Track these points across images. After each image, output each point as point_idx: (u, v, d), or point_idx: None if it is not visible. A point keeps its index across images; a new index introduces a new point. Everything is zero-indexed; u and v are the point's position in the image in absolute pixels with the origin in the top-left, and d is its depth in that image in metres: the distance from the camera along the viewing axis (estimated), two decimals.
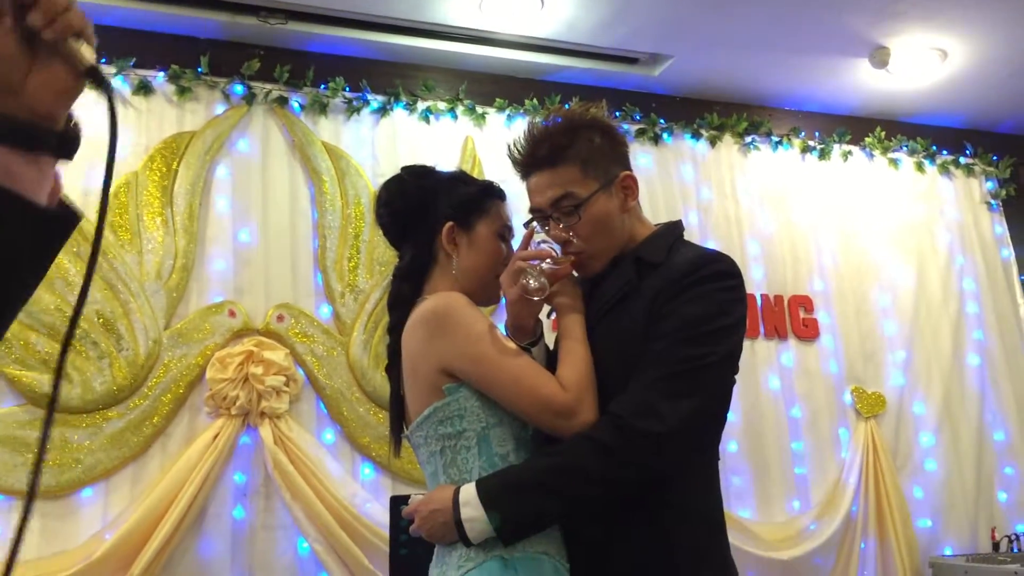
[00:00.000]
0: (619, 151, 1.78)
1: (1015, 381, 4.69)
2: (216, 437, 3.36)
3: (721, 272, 1.64)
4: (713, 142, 4.59)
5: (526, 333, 1.73)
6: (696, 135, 4.57)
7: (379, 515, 3.40)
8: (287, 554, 3.40)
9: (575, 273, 1.77)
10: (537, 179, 1.74)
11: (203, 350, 3.47)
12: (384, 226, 1.87)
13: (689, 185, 4.47)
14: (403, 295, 1.78)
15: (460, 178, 1.87)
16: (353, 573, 3.36)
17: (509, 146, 1.79)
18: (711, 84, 4.54)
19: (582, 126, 1.73)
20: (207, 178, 3.68)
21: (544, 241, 1.71)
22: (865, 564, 4.10)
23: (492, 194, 1.84)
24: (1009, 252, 5.00)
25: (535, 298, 1.65)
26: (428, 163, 1.92)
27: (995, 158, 5.09)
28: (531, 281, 1.65)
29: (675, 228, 1.81)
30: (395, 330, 1.77)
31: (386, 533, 3.19)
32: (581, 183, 1.70)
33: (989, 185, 5.08)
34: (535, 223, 1.76)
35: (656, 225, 1.82)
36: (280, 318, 3.61)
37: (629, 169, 1.78)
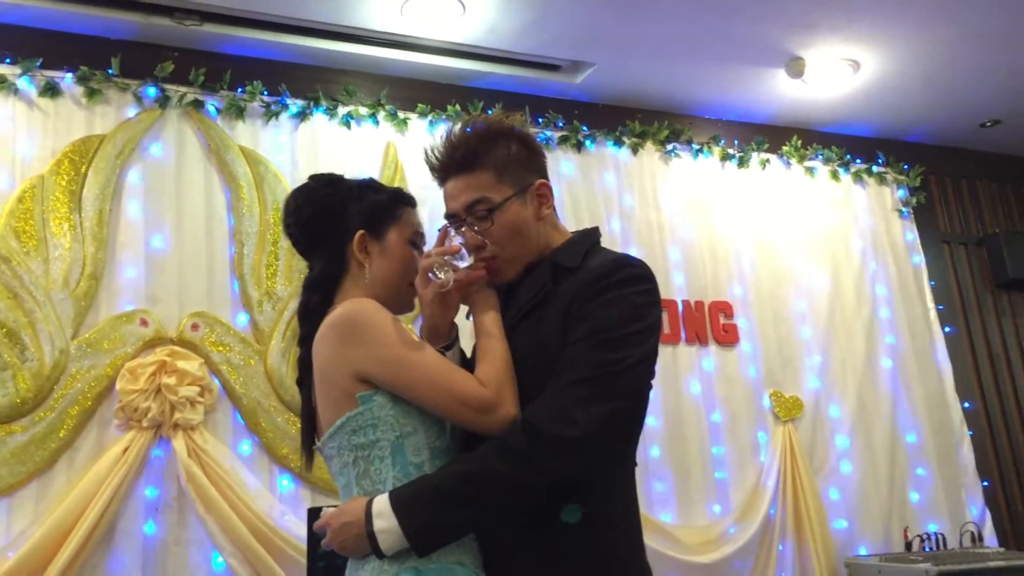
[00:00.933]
0: (536, 160, 1.78)
1: (926, 384, 4.83)
2: (126, 450, 3.25)
3: (635, 276, 1.64)
4: (635, 149, 4.63)
5: (441, 336, 1.71)
6: (618, 142, 4.60)
7: (297, 528, 3.33)
8: (201, 569, 3.30)
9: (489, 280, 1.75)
10: (453, 184, 1.74)
11: (113, 360, 3.36)
12: (292, 236, 1.83)
13: (612, 192, 4.50)
14: (313, 306, 1.74)
15: (370, 186, 1.84)
16: None
17: (426, 151, 1.78)
18: (633, 92, 4.59)
19: (500, 134, 1.74)
20: (118, 183, 3.57)
21: (460, 240, 1.70)
22: (783, 565, 4.17)
23: (402, 201, 1.82)
24: (920, 258, 5.14)
25: (443, 290, 1.64)
26: (350, 169, 1.91)
27: (906, 167, 5.24)
28: (439, 273, 1.63)
29: (591, 235, 1.81)
30: (305, 342, 1.73)
31: (304, 546, 3.13)
32: (495, 188, 1.70)
33: (900, 193, 5.22)
34: (450, 225, 1.74)
35: (573, 233, 1.82)
36: (195, 327, 3.51)
37: (545, 178, 1.79)
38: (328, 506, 1.71)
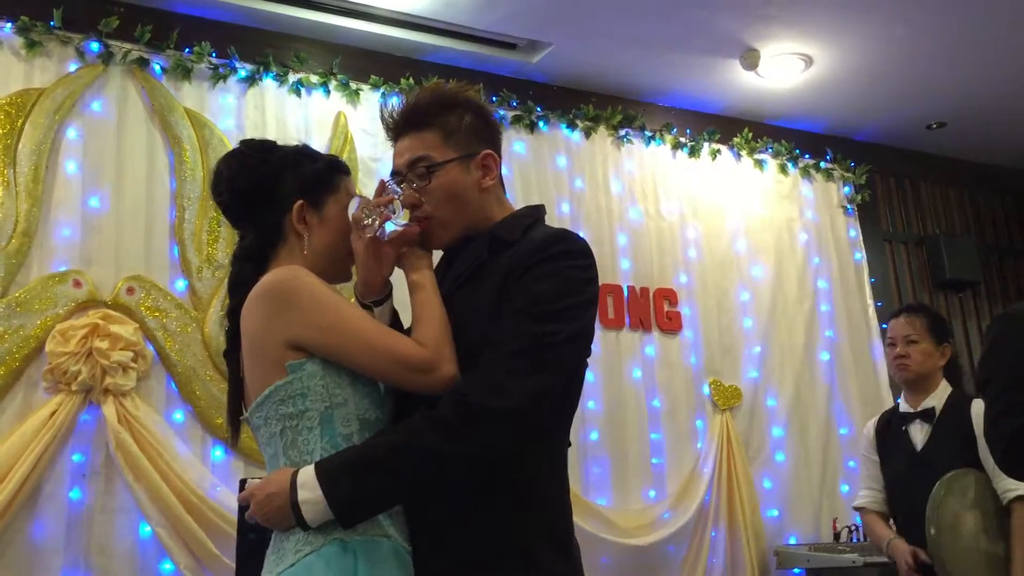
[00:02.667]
0: (489, 133, 1.77)
1: (861, 378, 4.91)
2: (54, 414, 3.17)
3: (572, 251, 1.63)
4: (588, 133, 4.62)
5: (373, 291, 1.69)
6: (572, 125, 4.59)
7: (228, 499, 3.28)
8: (127, 538, 3.24)
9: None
10: (401, 142, 1.74)
11: (43, 321, 3.26)
12: (224, 204, 1.77)
13: (563, 174, 4.49)
14: (245, 277, 1.69)
15: (305, 153, 1.79)
16: (198, 558, 3.23)
17: (382, 110, 1.78)
18: (588, 75, 4.57)
19: (456, 102, 1.74)
20: (55, 139, 3.47)
21: (396, 194, 1.68)
22: (715, 552, 4.22)
23: (339, 169, 1.79)
24: (861, 255, 5.23)
25: (369, 234, 1.61)
26: (298, 139, 1.85)
27: (852, 164, 5.31)
28: (371, 220, 1.62)
29: (535, 211, 1.80)
30: (235, 313, 1.69)
31: (235, 517, 3.08)
32: (439, 150, 1.70)
33: (846, 190, 5.29)
34: (385, 179, 1.73)
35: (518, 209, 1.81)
36: (130, 290, 3.43)
37: (497, 152, 1.77)
38: (257, 478, 1.67)
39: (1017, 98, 5.01)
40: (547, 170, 4.44)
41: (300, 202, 1.70)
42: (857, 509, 3.24)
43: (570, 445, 1.73)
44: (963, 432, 2.90)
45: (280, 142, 1.82)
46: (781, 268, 4.90)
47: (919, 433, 3.03)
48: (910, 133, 5.41)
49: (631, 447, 4.23)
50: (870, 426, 3.25)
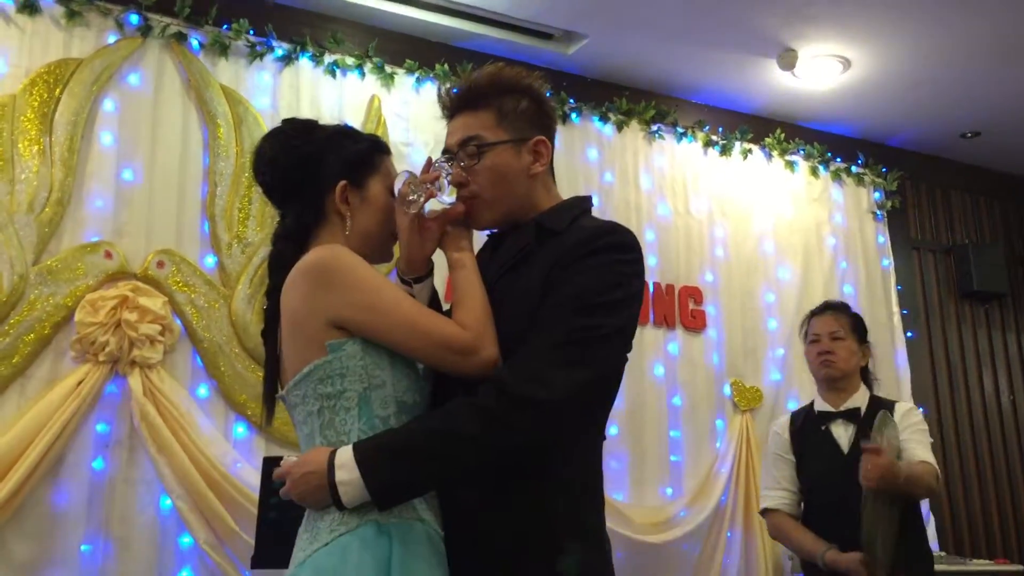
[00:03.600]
0: (543, 120, 1.76)
1: (884, 385, 4.74)
2: (80, 383, 3.19)
3: (621, 244, 1.62)
4: (620, 127, 4.60)
5: (416, 269, 1.69)
6: (604, 118, 4.57)
7: (250, 476, 3.29)
8: (148, 510, 3.26)
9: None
10: (455, 121, 1.74)
11: (73, 291, 3.28)
12: (266, 184, 1.76)
13: (593, 167, 4.47)
14: (286, 257, 1.68)
15: (347, 133, 1.78)
16: (217, 534, 3.24)
17: (440, 88, 1.79)
18: (623, 69, 4.55)
19: (515, 87, 1.74)
20: (92, 110, 3.48)
21: (444, 172, 1.69)
22: (730, 552, 4.21)
23: (381, 149, 1.78)
24: (889, 261, 5.19)
25: (413, 211, 1.61)
26: (332, 120, 1.84)
27: (884, 170, 5.27)
28: (416, 196, 1.62)
29: (583, 201, 1.79)
30: (274, 293, 1.68)
31: (255, 495, 3.09)
32: (492, 131, 1.70)
33: (876, 195, 5.25)
34: (432, 157, 1.73)
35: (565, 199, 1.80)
36: (160, 264, 3.44)
37: (550, 140, 1.76)
38: (286, 456, 1.67)
39: None
40: (577, 163, 4.42)
41: (343, 182, 1.70)
42: (767, 511, 3.03)
43: (605, 438, 1.73)
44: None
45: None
46: (808, 271, 4.86)
47: (844, 434, 2.92)
48: (944, 141, 5.36)
49: (650, 444, 4.22)
50: (783, 425, 3.09)
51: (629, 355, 1.68)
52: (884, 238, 5.23)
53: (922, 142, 5.38)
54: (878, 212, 5.23)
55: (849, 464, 2.79)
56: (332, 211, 1.70)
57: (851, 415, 2.93)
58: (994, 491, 5.20)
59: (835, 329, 3.00)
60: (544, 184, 1.76)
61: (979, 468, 5.18)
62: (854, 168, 5.20)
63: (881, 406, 2.92)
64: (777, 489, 3.00)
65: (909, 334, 5.10)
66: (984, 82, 4.66)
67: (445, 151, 1.74)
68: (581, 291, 1.55)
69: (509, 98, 1.72)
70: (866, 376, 3.04)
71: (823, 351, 2.98)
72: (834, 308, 3.10)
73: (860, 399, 2.96)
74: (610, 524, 3.95)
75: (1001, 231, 5.72)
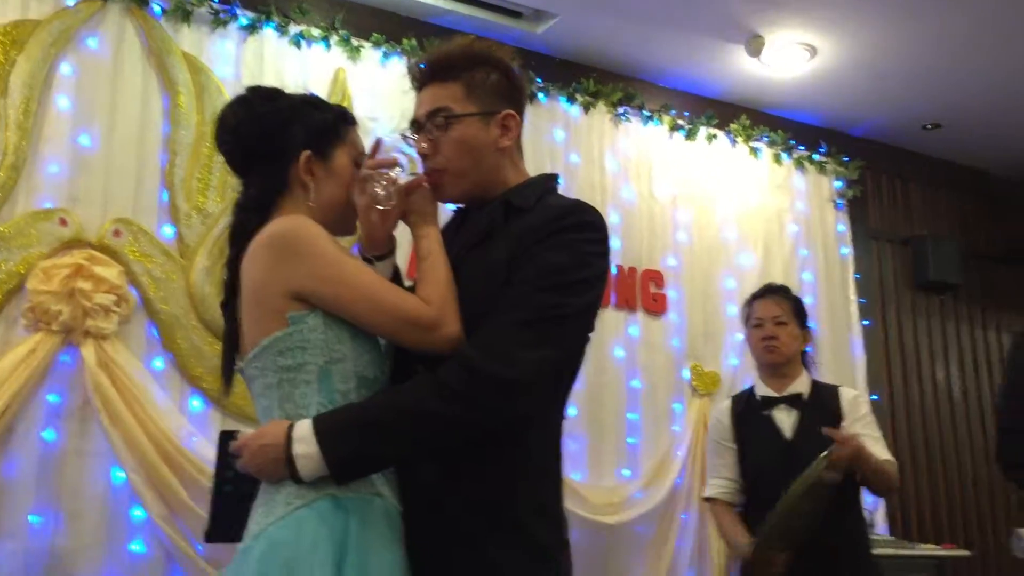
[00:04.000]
0: (514, 94, 1.75)
1: (839, 372, 4.92)
2: (32, 353, 3.12)
3: (588, 223, 1.62)
4: (587, 108, 4.58)
5: (377, 246, 1.67)
6: (571, 99, 4.55)
7: (205, 450, 3.25)
8: (100, 482, 3.21)
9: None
10: (424, 92, 1.72)
11: (26, 257, 3.20)
12: (227, 152, 1.74)
13: (559, 148, 4.46)
14: (247, 227, 1.65)
15: (312, 103, 1.75)
16: (171, 507, 3.20)
17: (409, 61, 1.78)
18: (591, 50, 4.53)
19: (486, 59, 1.72)
20: (49, 73, 3.39)
21: (396, 151, 1.67)
22: (684, 535, 4.24)
23: (347, 120, 1.75)
24: (848, 250, 5.24)
25: (381, 207, 1.59)
26: (296, 92, 1.80)
27: (846, 159, 5.31)
28: (379, 190, 1.59)
29: (549, 179, 1.79)
30: (234, 264, 1.65)
31: (210, 469, 3.05)
32: (461, 103, 1.68)
33: (838, 184, 5.29)
34: (383, 137, 1.71)
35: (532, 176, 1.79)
36: (117, 233, 3.37)
37: (519, 114, 1.75)
38: (242, 430, 1.65)
39: (1011, 106, 5.03)
40: (543, 143, 4.41)
41: (307, 153, 1.67)
42: (707, 499, 3.01)
43: (565, 418, 1.72)
44: (833, 419, 2.80)
45: None
46: (768, 258, 4.90)
47: (786, 419, 2.87)
48: (905, 132, 5.42)
49: (608, 425, 4.24)
50: (724, 412, 3.04)
51: (591, 336, 1.68)
52: (844, 227, 5.28)
53: (884, 132, 5.43)
54: (839, 201, 5.28)
55: (792, 450, 2.78)
56: (295, 181, 1.67)
57: (794, 400, 2.89)
58: (943, 478, 5.31)
59: (778, 314, 2.94)
60: (512, 159, 1.75)
61: (929, 455, 5.28)
62: (817, 156, 5.24)
63: (823, 391, 2.92)
64: (716, 478, 2.98)
65: (865, 322, 5.16)
66: (946, 75, 4.71)
67: (413, 122, 1.72)
68: (548, 269, 1.54)
69: (479, 70, 1.70)
70: (806, 360, 3.01)
71: (767, 336, 2.92)
72: (776, 292, 3.05)
73: (802, 384, 2.92)
74: (566, 504, 3.98)
75: (958, 224, 5.81)
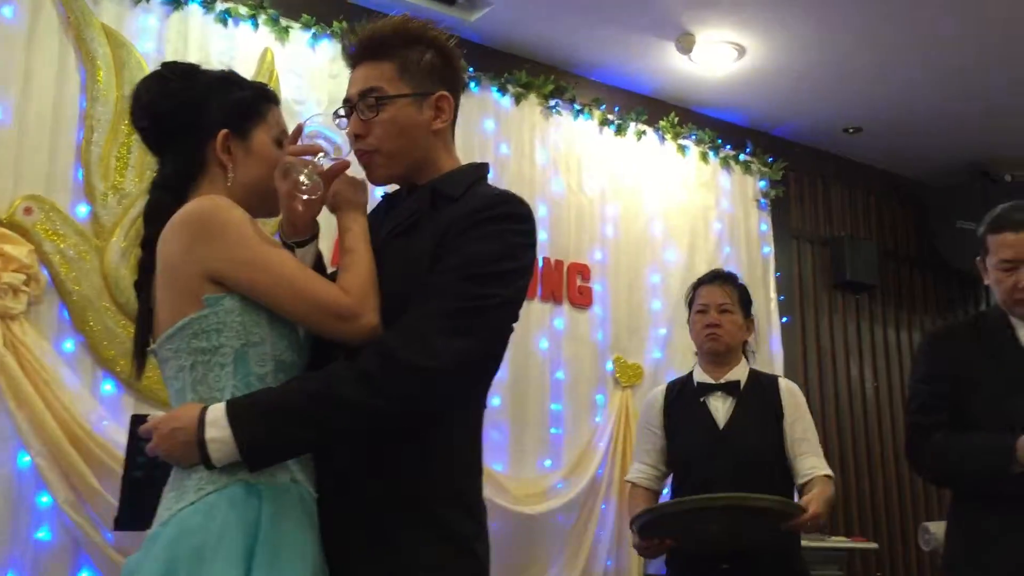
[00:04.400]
0: (449, 74, 1.72)
1: (757, 366, 5.02)
2: None
3: (516, 214, 1.61)
4: (518, 100, 4.58)
5: (299, 231, 1.63)
6: (502, 89, 4.54)
7: (116, 435, 3.16)
8: (4, 467, 3.09)
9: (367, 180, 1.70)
10: (356, 71, 1.69)
11: None
12: (143, 130, 1.69)
13: (489, 138, 4.45)
14: (163, 207, 1.61)
15: (231, 79, 1.71)
16: (78, 492, 3.10)
17: (343, 35, 1.75)
18: (524, 40, 4.53)
19: (420, 38, 1.69)
20: None
21: (318, 137, 1.63)
22: (603, 524, 4.28)
23: (267, 98, 1.72)
24: (769, 249, 5.34)
25: (307, 196, 1.56)
26: (238, 74, 1.75)
27: (770, 159, 5.41)
28: (303, 178, 1.56)
29: (479, 168, 1.76)
30: (149, 244, 1.61)
31: (121, 454, 2.97)
32: (393, 83, 1.65)
33: (762, 184, 5.38)
34: (304, 123, 1.67)
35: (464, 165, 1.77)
36: (28, 210, 3.25)
37: (455, 96, 1.72)
38: (154, 414, 1.61)
39: (930, 112, 5.18)
40: (474, 133, 4.39)
41: (224, 131, 1.63)
42: (628, 483, 2.99)
43: (486, 408, 1.72)
44: (769, 409, 2.82)
45: None
46: (693, 254, 4.97)
47: (721, 407, 2.84)
48: (827, 135, 5.54)
49: (532, 416, 4.25)
50: (657, 396, 3.01)
51: (515, 327, 1.68)
52: (767, 226, 5.37)
53: (807, 134, 5.55)
54: (762, 201, 5.37)
55: (725, 438, 2.78)
56: (213, 161, 1.63)
57: (731, 388, 2.86)
58: (854, 472, 5.45)
59: (723, 301, 2.91)
60: (444, 142, 1.73)
61: (841, 449, 5.42)
62: (742, 156, 5.32)
63: (762, 381, 2.91)
64: (639, 463, 2.96)
65: (784, 319, 5.27)
66: (869, 80, 4.83)
67: (346, 101, 1.69)
68: (473, 259, 1.53)
69: (413, 50, 1.67)
70: (746, 349, 2.99)
71: (711, 323, 2.89)
72: (723, 278, 3.00)
73: (741, 372, 2.90)
74: (488, 494, 3.96)
75: (875, 226, 5.97)
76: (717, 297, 2.92)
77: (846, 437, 5.48)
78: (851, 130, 5.46)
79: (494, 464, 4.06)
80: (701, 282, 3.02)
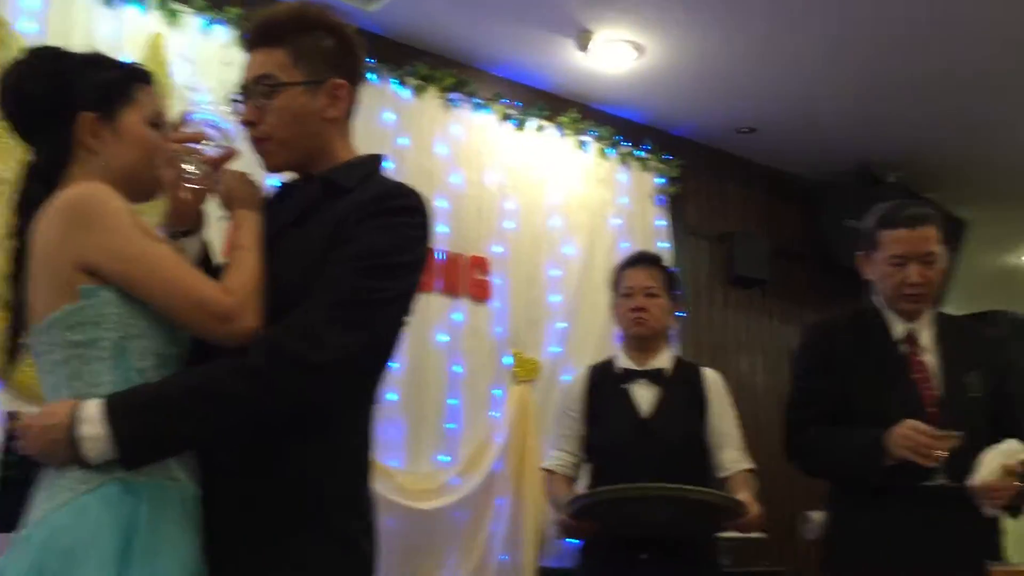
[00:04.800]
0: (347, 62, 1.69)
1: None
2: None
3: (410, 207, 1.60)
4: (418, 92, 4.55)
5: (184, 221, 1.60)
6: (402, 82, 4.50)
7: None
8: None
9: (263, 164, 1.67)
10: (252, 57, 1.66)
11: None
12: (10, 117, 1.62)
13: (388, 130, 4.40)
14: (34, 196, 1.55)
15: (98, 61, 1.64)
16: None
17: (240, 21, 1.70)
18: (425, 33, 4.50)
19: (317, 24, 1.66)
20: None
21: (206, 125, 1.59)
22: (498, 519, 4.29)
23: (138, 78, 1.65)
24: (667, 245, 5.43)
25: (191, 183, 1.52)
26: (107, 55, 1.69)
27: (668, 157, 5.50)
28: (188, 165, 1.51)
29: (375, 160, 1.74)
30: (20, 233, 1.54)
31: None
32: (287, 70, 1.62)
33: (659, 181, 5.47)
34: (190, 111, 1.65)
35: (359, 156, 1.74)
36: None
37: (353, 84, 1.69)
38: (28, 411, 1.54)
39: (821, 114, 5.35)
40: (372, 124, 4.33)
41: (89, 115, 1.56)
42: (544, 469, 2.94)
43: (377, 404, 1.70)
44: (695, 399, 2.78)
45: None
46: (592, 249, 5.02)
47: (646, 394, 2.77)
48: (723, 134, 5.67)
49: (428, 411, 4.23)
50: (578, 381, 2.92)
51: (412, 321, 1.66)
52: (664, 222, 5.46)
53: (703, 133, 5.67)
54: (660, 197, 5.46)
55: (648, 426, 2.72)
56: (81, 146, 1.57)
57: (655, 376, 2.79)
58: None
59: (650, 285, 2.82)
60: (340, 131, 1.70)
61: None
62: (640, 153, 5.40)
63: (686, 368, 2.85)
64: (557, 450, 2.89)
65: (680, 313, 5.37)
66: (763, 81, 4.96)
67: (241, 86, 1.66)
68: (366, 251, 1.51)
69: (310, 36, 1.64)
70: (669, 335, 2.94)
71: (636, 308, 2.80)
72: (649, 261, 2.93)
73: (665, 359, 2.83)
74: (383, 491, 3.96)
75: (768, 223, 6.15)
76: (643, 280, 2.84)
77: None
78: (745, 130, 5.61)
79: (390, 460, 4.03)
80: (626, 265, 2.95)
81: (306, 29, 1.65)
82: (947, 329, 2.60)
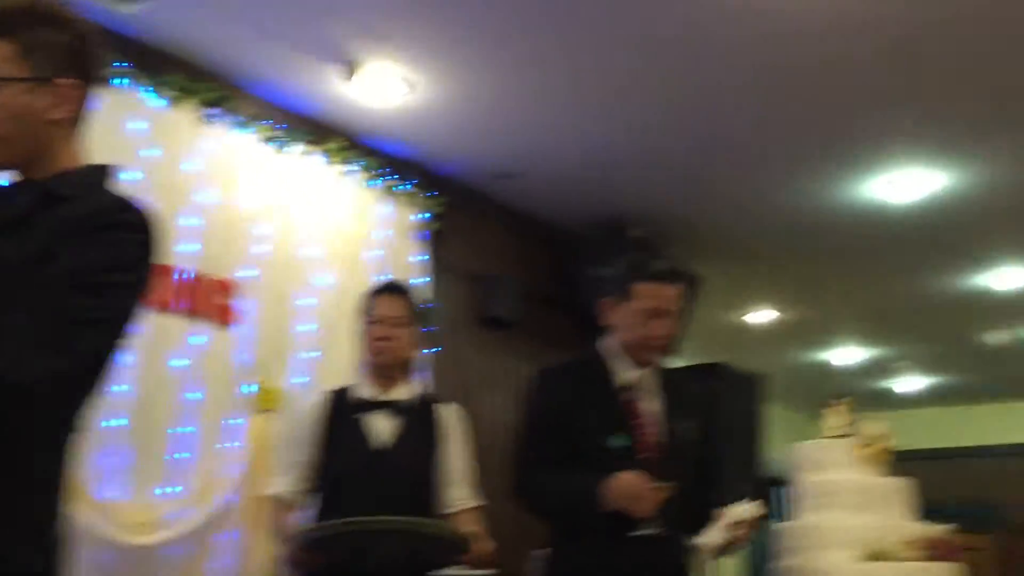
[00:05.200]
0: (82, 63, 1.57)
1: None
2: None
3: (134, 223, 1.50)
4: (175, 103, 4.33)
5: None
6: (158, 91, 4.28)
7: None
8: None
9: None
10: None
11: None
12: None
13: (137, 140, 4.16)
14: None
15: None
16: None
17: None
18: (188, 42, 4.32)
19: (51, 19, 1.54)
20: None
21: None
22: (225, 555, 4.10)
23: None
24: (424, 281, 5.48)
25: None
26: None
27: (432, 194, 5.56)
28: None
29: (102, 170, 1.62)
30: None
31: None
32: (11, 63, 1.50)
33: (420, 217, 5.52)
34: None
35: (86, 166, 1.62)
36: None
37: (85, 87, 1.58)
38: None
39: (579, 164, 5.62)
40: (119, 131, 4.07)
41: None
42: (271, 496, 2.87)
43: (78, 432, 1.57)
44: (431, 433, 2.83)
45: None
46: (348, 280, 4.94)
47: (383, 426, 2.76)
48: (485, 177, 5.82)
49: (157, 439, 3.99)
50: (313, 407, 2.87)
51: (146, 344, 1.56)
52: (423, 258, 5.50)
53: (465, 174, 5.78)
54: (421, 233, 5.50)
55: (380, 458, 2.70)
56: None
57: (396, 407, 2.78)
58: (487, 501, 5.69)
59: (399, 314, 2.83)
60: (66, 136, 1.58)
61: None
62: (403, 188, 5.42)
63: (426, 401, 2.87)
64: (285, 476, 2.83)
65: (433, 350, 5.41)
66: (526, 130, 5.16)
67: None
68: (80, 268, 1.40)
69: (42, 31, 1.53)
70: (412, 366, 2.94)
71: (382, 336, 2.80)
72: (398, 291, 2.94)
73: (406, 391, 2.84)
74: (97, 524, 3.68)
75: (520, 265, 6.34)
76: (391, 310, 2.84)
77: (481, 465, 5.70)
78: (504, 175, 5.78)
79: (110, 491, 3.76)
80: (376, 293, 2.94)
81: (38, 23, 1.54)
82: (668, 378, 2.77)
